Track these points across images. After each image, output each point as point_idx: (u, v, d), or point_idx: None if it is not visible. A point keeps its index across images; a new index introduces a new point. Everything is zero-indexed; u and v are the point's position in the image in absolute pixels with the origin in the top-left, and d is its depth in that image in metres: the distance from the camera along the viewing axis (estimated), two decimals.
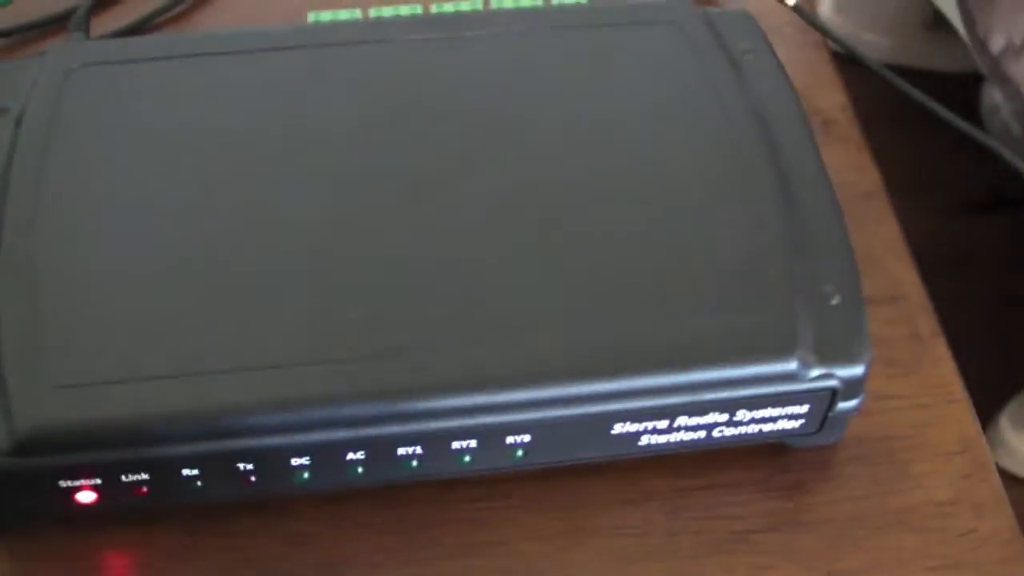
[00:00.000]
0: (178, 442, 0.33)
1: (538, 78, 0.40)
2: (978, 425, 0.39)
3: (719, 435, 0.35)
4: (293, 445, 0.33)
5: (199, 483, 0.34)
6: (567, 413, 0.34)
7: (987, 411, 0.84)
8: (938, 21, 0.94)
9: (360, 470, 0.34)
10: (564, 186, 0.37)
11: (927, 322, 0.41)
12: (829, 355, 0.35)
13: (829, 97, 0.47)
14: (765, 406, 0.35)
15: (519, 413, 0.34)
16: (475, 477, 0.36)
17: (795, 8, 0.47)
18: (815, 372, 0.34)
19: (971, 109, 0.95)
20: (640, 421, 0.34)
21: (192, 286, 0.35)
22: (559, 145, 0.38)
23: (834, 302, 0.35)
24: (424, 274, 0.35)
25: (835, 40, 0.48)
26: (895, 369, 0.39)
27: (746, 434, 0.36)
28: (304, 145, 0.38)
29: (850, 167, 0.45)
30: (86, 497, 0.33)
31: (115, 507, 0.34)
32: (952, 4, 0.81)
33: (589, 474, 0.37)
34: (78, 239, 0.36)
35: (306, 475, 0.34)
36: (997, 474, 0.38)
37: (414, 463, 0.34)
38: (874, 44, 1.04)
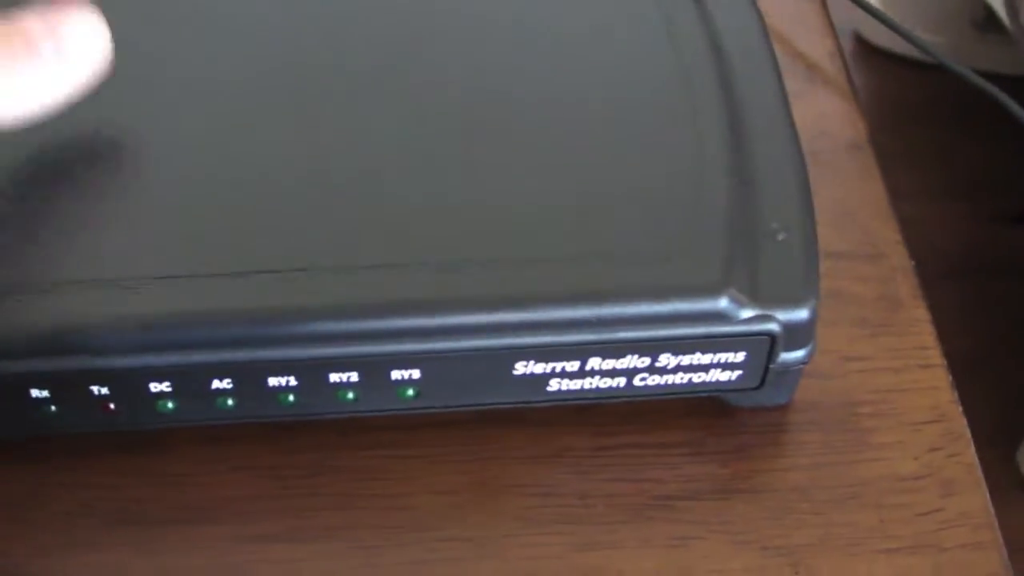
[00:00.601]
0: (19, 356, 0.29)
1: None
2: (955, 395, 0.34)
3: (642, 384, 0.31)
4: (148, 367, 0.29)
5: (53, 408, 0.30)
6: (458, 346, 0.30)
7: (1018, 422, 0.78)
8: (988, 20, 0.89)
9: (230, 402, 0.30)
10: (484, 100, 0.33)
11: (906, 283, 0.36)
12: (768, 295, 0.30)
13: (816, 42, 0.42)
14: (692, 351, 0.30)
15: (402, 343, 0.29)
16: (368, 423, 0.32)
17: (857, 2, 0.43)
18: (749, 313, 0.30)
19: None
20: (546, 361, 0.30)
21: (46, 195, 0.31)
22: (483, 59, 0.34)
23: (780, 238, 0.31)
24: (307, 190, 0.31)
25: (906, 37, 0.44)
26: (863, 330, 0.35)
27: (674, 384, 0.31)
28: (216, 49, 0.35)
29: (835, 116, 0.40)
30: None
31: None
32: (1002, 2, 0.76)
33: (498, 425, 0.33)
34: None
35: (170, 405, 0.30)
36: (973, 449, 0.33)
37: (290, 397, 0.30)
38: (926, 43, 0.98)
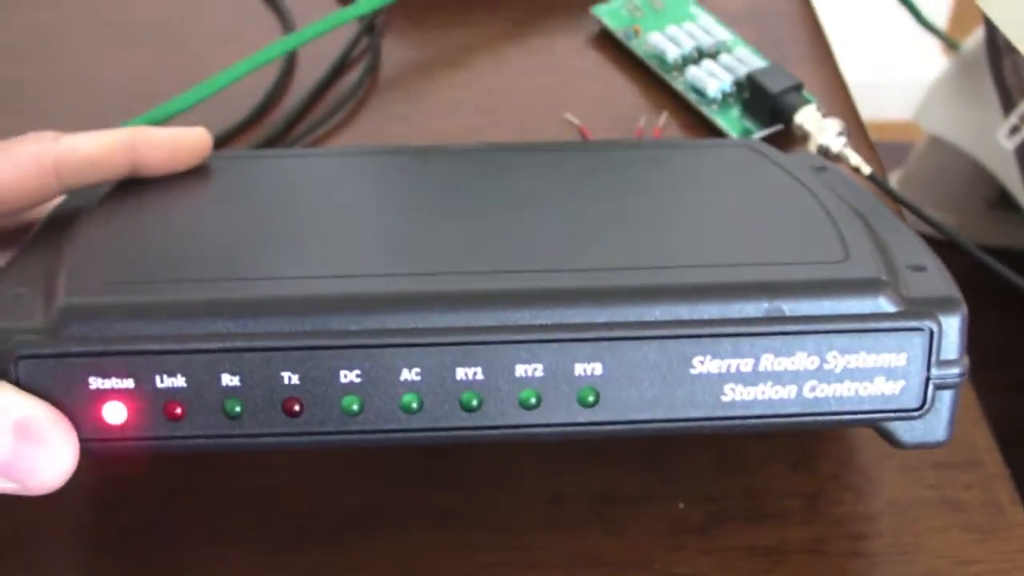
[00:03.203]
0: (217, 333, 0.32)
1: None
2: None
3: (811, 396, 0.34)
4: (340, 350, 0.32)
5: (239, 405, 0.32)
6: (639, 333, 0.33)
7: None
8: (1001, 199, 0.95)
9: (415, 405, 0.32)
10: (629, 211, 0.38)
11: (1005, 488, 0.41)
12: (922, 301, 0.34)
13: None
14: (856, 349, 0.33)
15: (590, 331, 0.32)
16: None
17: (871, 177, 0.48)
18: (907, 307, 0.33)
19: None
20: (721, 358, 0.33)
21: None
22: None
23: (919, 272, 0.35)
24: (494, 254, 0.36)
25: (918, 215, 0.49)
26: (973, 535, 0.39)
27: (842, 398, 0.34)
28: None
29: None
30: (116, 414, 0.32)
31: (145, 438, 0.32)
32: (1020, 184, 0.83)
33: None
34: None
35: (356, 406, 0.32)
36: None
37: (475, 402, 0.32)
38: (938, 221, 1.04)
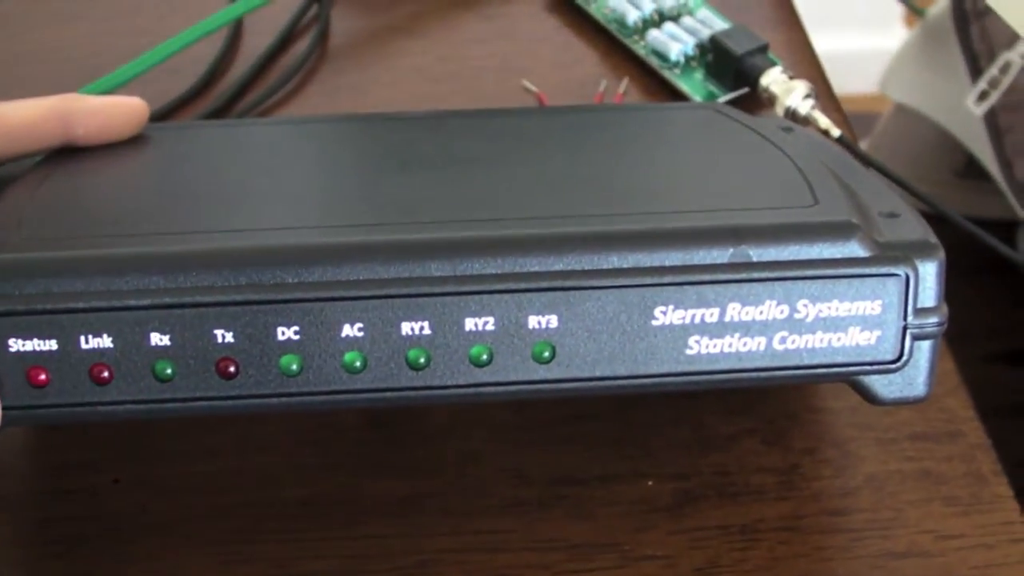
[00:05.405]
0: (145, 288, 0.29)
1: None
2: None
3: (782, 348, 0.31)
4: (277, 304, 0.29)
5: (170, 367, 0.30)
6: (597, 283, 0.30)
7: None
8: (968, 169, 0.94)
9: (358, 363, 0.30)
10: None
11: (987, 459, 0.39)
12: (896, 246, 0.32)
13: None
14: (828, 297, 0.31)
15: (544, 280, 0.30)
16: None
17: (841, 140, 0.46)
18: (880, 252, 0.31)
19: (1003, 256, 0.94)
20: (685, 308, 0.31)
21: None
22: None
23: (893, 219, 0.33)
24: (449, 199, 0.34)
25: (889, 178, 0.47)
26: (954, 508, 0.38)
27: (814, 350, 0.31)
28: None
29: None
30: (38, 379, 0.29)
31: (70, 404, 0.30)
32: (988, 151, 0.81)
33: None
34: None
35: (295, 366, 0.30)
36: None
37: (422, 359, 0.30)
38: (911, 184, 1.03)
